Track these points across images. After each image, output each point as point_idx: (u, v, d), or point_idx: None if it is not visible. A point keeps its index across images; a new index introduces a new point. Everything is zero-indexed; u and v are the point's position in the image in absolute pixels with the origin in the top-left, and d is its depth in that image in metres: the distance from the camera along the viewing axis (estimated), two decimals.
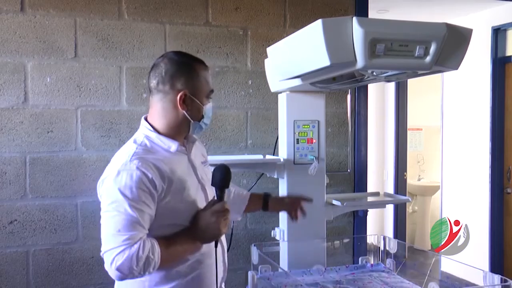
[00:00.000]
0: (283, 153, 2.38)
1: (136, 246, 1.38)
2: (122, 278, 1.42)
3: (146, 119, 1.60)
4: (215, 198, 1.52)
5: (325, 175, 2.41)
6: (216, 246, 1.53)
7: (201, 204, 1.56)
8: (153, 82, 1.55)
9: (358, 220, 3.24)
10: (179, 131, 1.58)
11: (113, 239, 1.40)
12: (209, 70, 1.62)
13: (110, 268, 1.40)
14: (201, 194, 1.60)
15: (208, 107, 1.59)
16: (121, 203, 1.41)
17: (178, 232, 1.50)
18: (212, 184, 1.52)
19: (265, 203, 2.01)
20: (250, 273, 2.15)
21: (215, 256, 1.54)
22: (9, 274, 2.62)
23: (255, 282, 2.12)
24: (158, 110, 1.56)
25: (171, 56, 1.57)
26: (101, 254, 1.43)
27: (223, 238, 1.70)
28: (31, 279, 2.66)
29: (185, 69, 1.54)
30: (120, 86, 2.77)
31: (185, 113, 1.54)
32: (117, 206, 1.41)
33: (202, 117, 1.59)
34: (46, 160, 2.66)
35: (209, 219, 1.48)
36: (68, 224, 2.70)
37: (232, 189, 1.97)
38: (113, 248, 1.39)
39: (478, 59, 4.24)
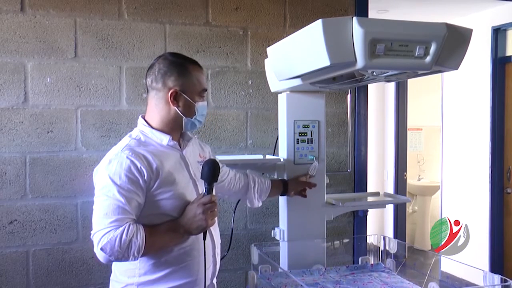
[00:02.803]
0: (283, 153, 2.38)
1: (121, 229, 1.47)
2: (106, 259, 1.50)
3: (143, 117, 1.71)
4: (204, 192, 1.58)
5: (325, 175, 2.41)
6: (204, 238, 1.59)
7: (191, 198, 1.63)
8: (148, 80, 1.68)
9: (358, 220, 3.24)
10: (173, 127, 1.68)
11: (100, 222, 1.51)
12: (203, 71, 1.72)
13: (96, 249, 1.50)
14: (192, 189, 1.67)
15: (200, 105, 1.68)
16: (110, 188, 1.51)
17: (165, 221, 1.58)
18: (201, 178, 1.59)
19: (285, 188, 2.22)
20: (250, 273, 2.15)
21: (203, 249, 1.60)
22: (9, 274, 2.62)
23: (255, 282, 2.12)
24: (152, 106, 1.68)
25: (165, 56, 1.69)
26: (91, 236, 1.53)
27: (216, 233, 1.75)
28: (31, 279, 2.66)
29: (176, 68, 1.65)
30: (120, 86, 2.77)
31: (176, 109, 1.65)
32: (107, 191, 1.52)
33: (195, 114, 1.68)
34: (46, 160, 2.66)
35: (195, 210, 1.55)
36: (68, 224, 2.70)
37: (256, 179, 2.17)
38: (100, 230, 1.50)
39: (478, 59, 4.24)
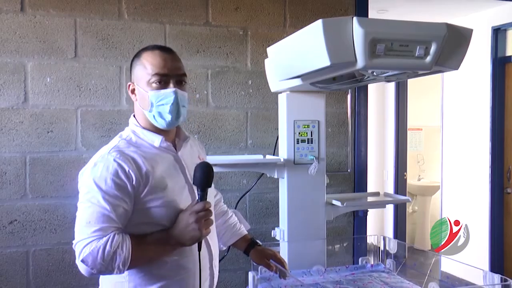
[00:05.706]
0: (283, 153, 2.38)
1: (105, 239, 1.33)
2: (88, 272, 1.35)
3: (134, 116, 1.59)
4: (197, 198, 1.43)
5: (325, 175, 2.41)
6: (199, 249, 1.44)
7: (186, 205, 1.47)
8: None
9: (358, 220, 3.24)
10: (154, 125, 1.53)
11: (83, 231, 1.36)
12: (164, 55, 1.49)
13: (78, 260, 1.35)
14: (188, 195, 1.52)
15: (154, 94, 1.46)
16: (94, 194, 1.37)
17: (156, 231, 1.43)
18: (193, 183, 1.44)
19: (247, 249, 1.87)
20: (250, 273, 2.15)
21: (198, 261, 1.45)
22: (9, 274, 2.62)
23: (255, 282, 2.12)
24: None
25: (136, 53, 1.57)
26: (73, 246, 1.39)
27: (212, 242, 1.60)
28: (31, 279, 2.66)
29: (134, 60, 1.54)
30: (120, 86, 2.77)
31: (137, 103, 1.53)
32: (91, 197, 1.38)
33: (151, 105, 1.47)
34: (46, 160, 2.66)
35: (187, 219, 1.40)
36: (68, 224, 2.70)
37: (233, 219, 1.90)
38: (81, 240, 1.35)
39: (478, 59, 4.24)
